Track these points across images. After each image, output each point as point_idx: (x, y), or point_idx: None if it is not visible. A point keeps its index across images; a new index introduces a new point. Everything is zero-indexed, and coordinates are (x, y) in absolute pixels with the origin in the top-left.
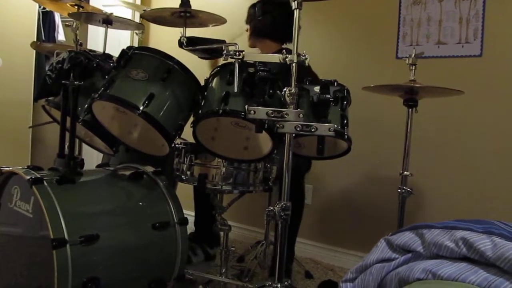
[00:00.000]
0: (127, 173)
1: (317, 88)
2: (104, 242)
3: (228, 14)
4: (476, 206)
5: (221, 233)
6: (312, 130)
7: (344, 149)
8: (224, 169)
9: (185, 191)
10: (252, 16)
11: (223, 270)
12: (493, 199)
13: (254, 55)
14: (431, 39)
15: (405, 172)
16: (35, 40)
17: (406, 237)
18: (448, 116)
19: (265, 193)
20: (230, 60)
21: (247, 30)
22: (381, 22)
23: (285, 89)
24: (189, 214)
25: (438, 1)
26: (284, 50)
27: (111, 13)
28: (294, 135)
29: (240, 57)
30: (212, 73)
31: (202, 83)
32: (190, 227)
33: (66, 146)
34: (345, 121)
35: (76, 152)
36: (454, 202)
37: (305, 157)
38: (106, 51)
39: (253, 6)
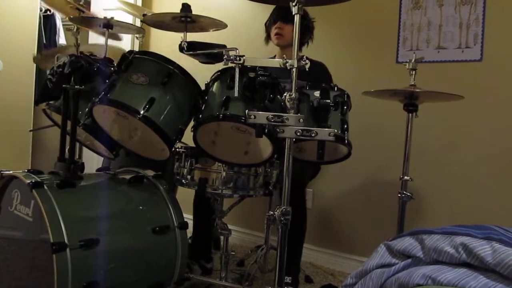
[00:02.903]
0: (128, 177)
1: (317, 93)
2: (104, 246)
3: (229, 19)
4: (476, 211)
5: (221, 237)
6: (312, 135)
7: (344, 153)
8: (224, 174)
9: (185, 195)
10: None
11: (223, 274)
12: (493, 204)
13: (254, 59)
14: (431, 44)
15: (405, 177)
16: (35, 44)
17: (406, 243)
18: (448, 120)
19: (265, 197)
20: (230, 64)
21: (280, 28)
22: (381, 27)
23: (285, 94)
24: (189, 218)
25: (438, 6)
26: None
27: (112, 17)
28: (294, 140)
29: (241, 62)
30: (213, 77)
31: (203, 87)
32: (190, 231)
33: (66, 150)
34: (345, 126)
35: (77, 156)
36: (454, 207)
37: (308, 163)
38: (107, 56)
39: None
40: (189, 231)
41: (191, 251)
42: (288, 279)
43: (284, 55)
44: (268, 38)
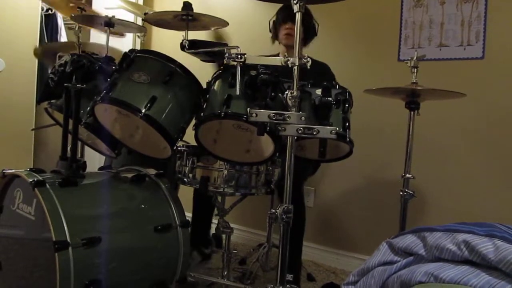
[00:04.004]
0: (129, 175)
1: (318, 91)
2: (106, 245)
3: (230, 17)
4: (478, 208)
5: (223, 236)
6: (314, 133)
7: (346, 151)
8: (226, 172)
9: (187, 194)
10: (307, 20)
11: (225, 273)
12: (495, 201)
13: (256, 58)
14: (433, 42)
15: (407, 175)
16: (37, 44)
17: (408, 240)
18: (450, 118)
19: (267, 196)
20: (232, 63)
21: (291, 29)
22: (383, 25)
23: (287, 92)
24: (191, 216)
25: (440, 4)
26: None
27: (113, 16)
28: (296, 137)
29: (242, 60)
30: (214, 75)
31: (204, 85)
32: None
33: (68, 149)
34: (347, 124)
35: (79, 155)
36: (456, 205)
37: (308, 161)
38: (108, 54)
39: (308, 11)
40: None
41: (190, 237)
42: (289, 277)
43: (286, 53)
44: (275, 37)
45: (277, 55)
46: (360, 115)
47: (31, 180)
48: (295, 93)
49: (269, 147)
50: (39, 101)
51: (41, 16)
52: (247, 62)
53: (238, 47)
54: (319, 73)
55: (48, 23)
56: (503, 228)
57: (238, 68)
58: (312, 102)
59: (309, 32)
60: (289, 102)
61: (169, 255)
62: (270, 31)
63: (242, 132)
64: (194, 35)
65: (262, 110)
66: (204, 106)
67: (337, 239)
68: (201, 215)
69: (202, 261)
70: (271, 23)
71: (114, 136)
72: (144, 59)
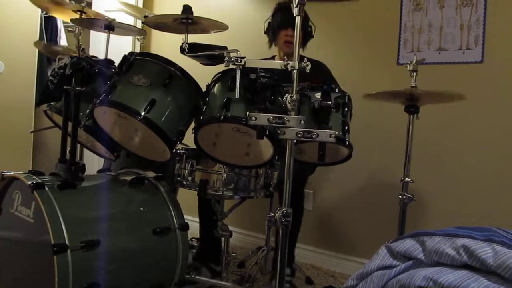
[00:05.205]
0: (128, 178)
1: (318, 95)
2: (104, 248)
3: (230, 21)
4: (477, 213)
5: (222, 239)
6: (313, 137)
7: (345, 155)
8: (225, 175)
9: (186, 197)
10: (306, 23)
11: (224, 276)
12: (495, 206)
13: (255, 61)
14: (432, 46)
15: (406, 179)
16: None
17: (407, 244)
18: (449, 122)
19: (266, 199)
20: (231, 66)
21: (292, 36)
22: (382, 29)
23: (286, 96)
24: (190, 219)
25: (439, 8)
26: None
27: (113, 19)
28: (295, 141)
29: (242, 63)
30: (214, 79)
31: (204, 89)
32: (191, 233)
33: (67, 151)
34: (346, 128)
35: (78, 157)
36: (455, 209)
37: (306, 164)
38: (108, 57)
39: (306, 15)
40: (191, 233)
41: (200, 254)
42: (288, 271)
43: (285, 57)
44: (272, 41)
45: (273, 58)
46: (360, 118)
47: (30, 182)
48: (294, 97)
49: (268, 151)
50: (38, 104)
51: (41, 18)
52: (246, 65)
53: (237, 50)
54: (315, 71)
55: (48, 25)
56: (502, 232)
57: (238, 72)
58: (311, 106)
59: (307, 35)
60: (289, 105)
61: (167, 257)
62: (265, 32)
63: (242, 135)
64: (193, 38)
65: (261, 114)
66: (204, 109)
67: (336, 242)
68: (209, 228)
69: (212, 277)
70: (267, 24)
71: (113, 138)
72: (143, 62)
